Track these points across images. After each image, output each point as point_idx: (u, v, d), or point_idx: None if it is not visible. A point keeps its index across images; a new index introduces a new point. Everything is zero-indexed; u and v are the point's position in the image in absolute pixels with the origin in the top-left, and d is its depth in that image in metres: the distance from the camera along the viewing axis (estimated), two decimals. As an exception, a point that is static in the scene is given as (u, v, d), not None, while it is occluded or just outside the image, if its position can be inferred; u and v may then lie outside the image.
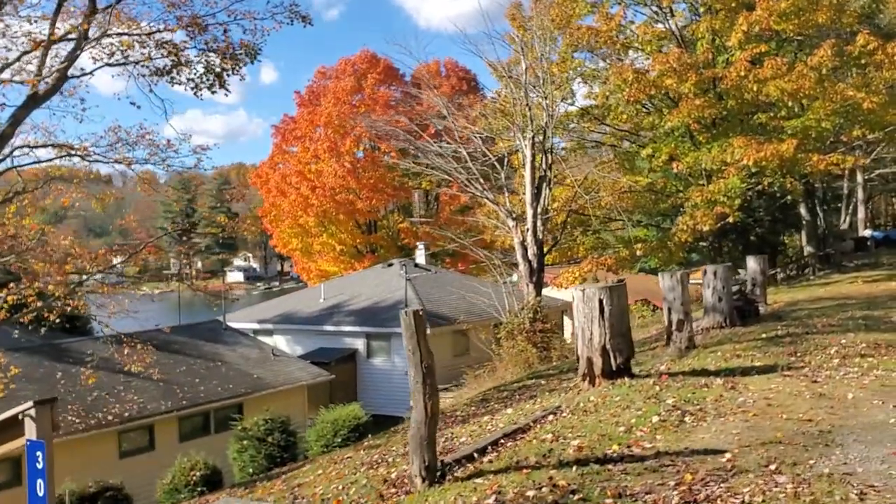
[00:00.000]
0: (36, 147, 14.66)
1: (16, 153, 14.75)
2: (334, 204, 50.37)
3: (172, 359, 21.83)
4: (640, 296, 41.28)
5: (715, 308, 14.29)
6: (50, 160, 16.00)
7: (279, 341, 30.83)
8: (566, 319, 44.28)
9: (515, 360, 21.80)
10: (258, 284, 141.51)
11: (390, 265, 31.73)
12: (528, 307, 22.14)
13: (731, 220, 26.35)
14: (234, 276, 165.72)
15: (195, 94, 14.13)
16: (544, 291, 34.04)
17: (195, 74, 14.48)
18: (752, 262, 18.24)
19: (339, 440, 18.92)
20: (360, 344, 28.92)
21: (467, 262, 48.21)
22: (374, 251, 53.35)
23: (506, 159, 24.78)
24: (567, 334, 41.69)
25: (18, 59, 13.77)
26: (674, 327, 11.92)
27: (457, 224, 38.28)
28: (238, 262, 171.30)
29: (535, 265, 22.83)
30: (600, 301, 8.90)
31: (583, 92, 29.59)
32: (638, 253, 28.18)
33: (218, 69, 14.26)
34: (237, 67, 14.58)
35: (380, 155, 51.99)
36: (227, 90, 14.66)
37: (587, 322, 9.02)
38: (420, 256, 36.45)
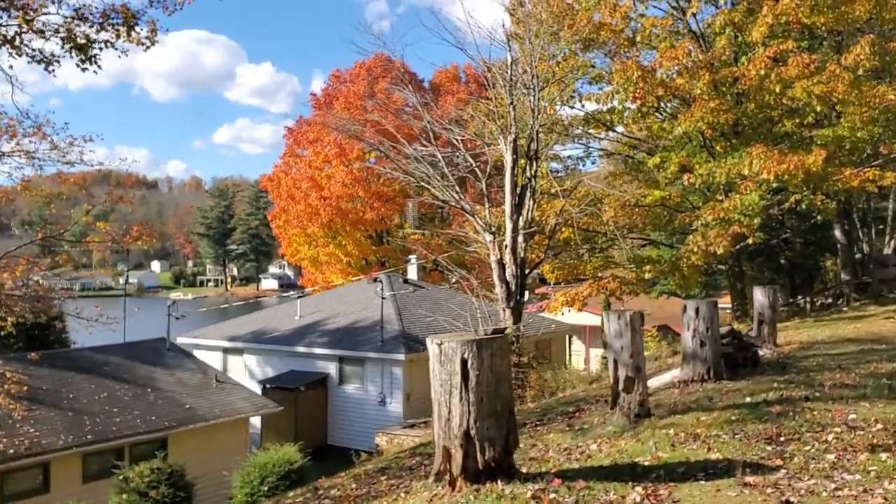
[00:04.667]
0: None
1: None
2: (340, 214, 47.85)
3: (93, 383, 19.15)
4: (660, 321, 37.92)
5: (696, 356, 11.14)
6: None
7: (250, 361, 28.19)
8: (579, 344, 41.03)
9: (485, 397, 18.78)
10: (291, 292, 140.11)
11: (376, 280, 28.89)
12: (502, 336, 19.09)
13: (750, 241, 23.08)
14: (269, 284, 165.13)
15: (46, 69, 11.45)
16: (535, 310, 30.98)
17: (62, 47, 11.82)
18: (759, 294, 15.02)
19: (266, 489, 16.27)
20: (332, 368, 26.07)
21: (482, 279, 45.12)
22: (384, 264, 50.57)
23: (489, 166, 21.84)
24: (577, 361, 38.44)
25: None
26: (620, 387, 8.84)
27: (463, 238, 35.31)
28: (273, 269, 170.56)
29: (513, 287, 19.81)
30: (463, 362, 5.92)
31: (591, 95, 26.41)
32: (647, 275, 24.94)
33: (82, 40, 11.54)
34: (109, 42, 11.87)
35: (390, 163, 49.30)
36: (97, 66, 11.96)
37: (444, 393, 6.03)
38: (412, 271, 33.50)
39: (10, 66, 11.88)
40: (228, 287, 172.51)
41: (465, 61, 64.32)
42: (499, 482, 5.93)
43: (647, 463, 6.69)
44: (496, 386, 6.00)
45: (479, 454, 5.94)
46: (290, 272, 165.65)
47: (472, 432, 5.93)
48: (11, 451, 15.74)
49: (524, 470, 6.73)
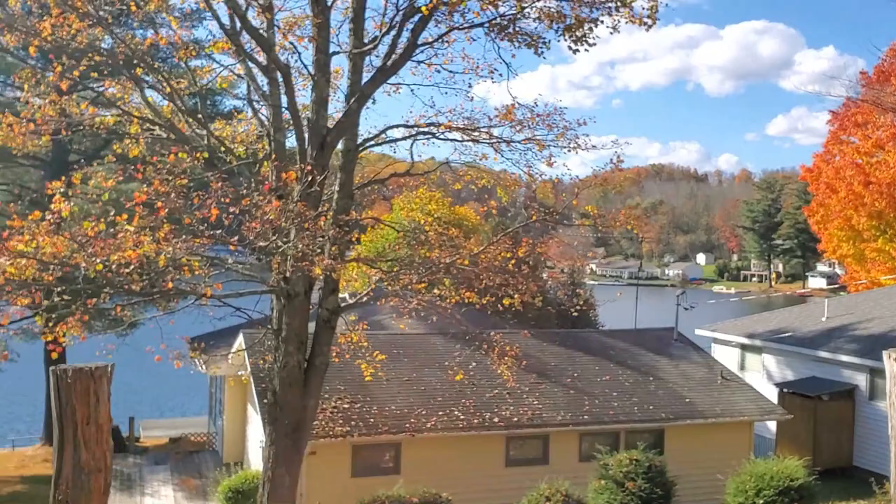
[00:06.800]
0: (407, 126, 13.80)
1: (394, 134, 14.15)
2: (892, 203, 41.95)
3: (598, 365, 19.59)
4: None
5: None
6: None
7: (767, 361, 26.26)
8: None
9: None
10: (841, 293, 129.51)
11: (926, 282, 24.49)
12: None
13: None
14: (816, 282, 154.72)
15: (535, 52, 11.69)
16: None
17: (556, 31, 12.10)
18: None
19: (762, 502, 15.06)
20: (861, 379, 22.75)
21: None
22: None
23: None
24: None
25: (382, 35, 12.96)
26: None
27: None
28: (821, 266, 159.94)
29: None
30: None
31: None
32: None
33: (570, 21, 11.63)
34: (598, 20, 11.76)
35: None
36: (587, 46, 11.95)
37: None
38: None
39: (513, 56, 12.35)
40: (772, 283, 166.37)
41: None
42: None
43: None
44: None
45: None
46: (839, 270, 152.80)
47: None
48: (515, 419, 16.97)
49: None
